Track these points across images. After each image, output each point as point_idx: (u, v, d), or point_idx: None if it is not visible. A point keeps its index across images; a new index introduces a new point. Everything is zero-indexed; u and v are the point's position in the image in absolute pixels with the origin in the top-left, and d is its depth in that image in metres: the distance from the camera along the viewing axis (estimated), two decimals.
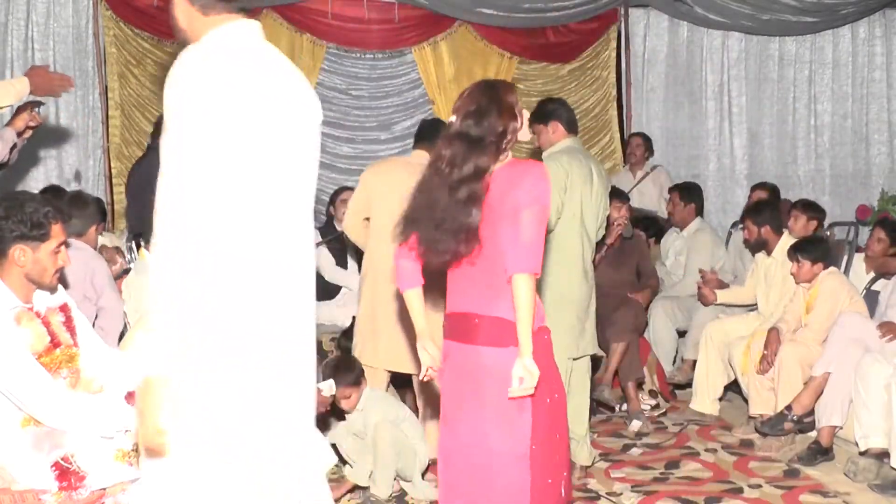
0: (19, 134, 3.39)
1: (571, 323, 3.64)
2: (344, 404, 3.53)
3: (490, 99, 2.30)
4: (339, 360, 3.70)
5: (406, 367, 3.94)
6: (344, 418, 3.67)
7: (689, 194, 5.42)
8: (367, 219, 3.95)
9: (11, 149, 3.37)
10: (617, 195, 4.75)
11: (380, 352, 3.87)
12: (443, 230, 2.26)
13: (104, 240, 4.26)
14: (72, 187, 5.52)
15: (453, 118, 2.36)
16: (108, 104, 6.22)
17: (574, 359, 3.66)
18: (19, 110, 3.51)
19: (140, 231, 3.61)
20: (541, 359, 2.25)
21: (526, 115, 2.40)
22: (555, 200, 3.54)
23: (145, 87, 6.29)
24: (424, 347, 2.46)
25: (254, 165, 1.76)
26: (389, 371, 3.95)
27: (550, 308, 3.51)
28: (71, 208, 3.27)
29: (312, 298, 1.94)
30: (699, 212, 5.47)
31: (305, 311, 1.91)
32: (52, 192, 4.41)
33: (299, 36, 6.57)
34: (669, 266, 5.51)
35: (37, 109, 3.53)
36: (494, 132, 2.27)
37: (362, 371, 3.59)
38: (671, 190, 5.60)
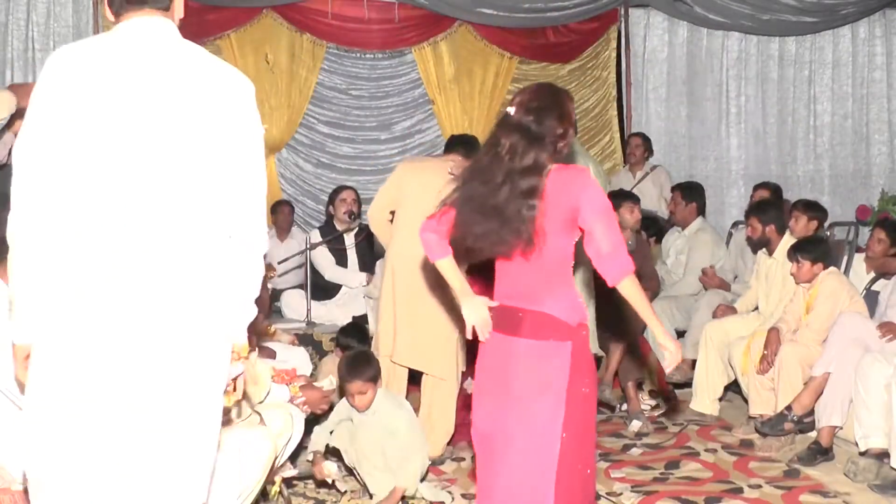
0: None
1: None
2: (358, 400, 3.39)
3: (553, 101, 2.36)
4: (358, 354, 3.56)
5: (421, 364, 3.96)
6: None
7: (691, 194, 5.42)
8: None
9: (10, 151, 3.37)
10: (629, 197, 4.75)
11: (398, 348, 3.90)
12: (502, 221, 2.28)
13: None
14: None
15: (511, 109, 2.38)
16: None
17: None
18: (17, 116, 3.54)
19: None
20: (579, 352, 2.32)
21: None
22: None
23: None
24: (473, 307, 2.43)
25: (81, 161, 1.78)
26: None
27: None
28: None
29: (176, 303, 1.82)
30: (701, 211, 5.46)
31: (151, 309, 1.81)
32: None
33: (299, 36, 6.58)
34: (670, 265, 5.51)
35: None
36: (553, 133, 2.31)
37: (380, 369, 3.52)
38: (673, 189, 5.60)
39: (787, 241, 4.55)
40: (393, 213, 4.04)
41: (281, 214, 6.15)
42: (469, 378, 4.20)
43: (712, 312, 4.83)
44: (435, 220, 2.44)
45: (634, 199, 4.78)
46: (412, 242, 3.91)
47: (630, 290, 2.32)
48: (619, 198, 4.63)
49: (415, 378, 4.11)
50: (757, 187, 5.67)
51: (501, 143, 2.33)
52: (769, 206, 4.76)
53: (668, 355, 2.37)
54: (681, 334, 5.13)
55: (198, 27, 6.38)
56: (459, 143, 4.15)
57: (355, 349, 3.52)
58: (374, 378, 3.44)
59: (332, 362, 4.32)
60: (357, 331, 4.37)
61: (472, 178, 2.36)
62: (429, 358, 3.95)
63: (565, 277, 2.35)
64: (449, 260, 2.48)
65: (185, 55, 1.91)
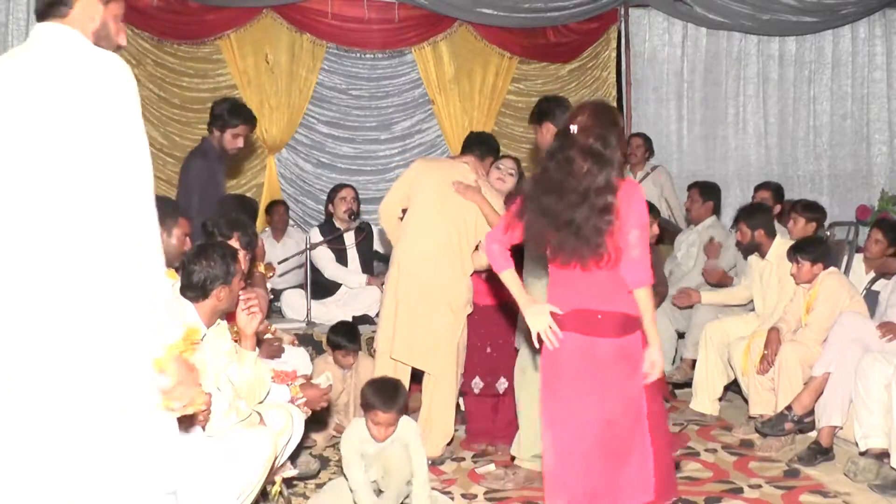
0: None
1: None
2: (384, 432, 3.28)
3: (613, 124, 2.61)
4: (387, 382, 3.37)
5: (418, 362, 3.97)
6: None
7: (709, 192, 5.47)
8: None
9: None
10: (649, 211, 4.74)
11: (396, 344, 3.92)
12: (580, 236, 2.52)
13: None
14: None
15: (574, 128, 2.59)
16: None
17: None
18: None
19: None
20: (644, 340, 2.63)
21: None
22: None
23: (145, 87, 6.29)
24: (537, 314, 2.63)
25: None
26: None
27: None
28: None
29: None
30: (716, 211, 5.52)
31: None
32: None
33: (299, 36, 6.58)
34: (680, 258, 5.54)
35: None
36: (617, 155, 2.58)
37: (406, 403, 3.39)
38: (691, 186, 5.63)
39: (780, 242, 4.55)
40: (404, 211, 4.07)
41: (276, 214, 6.14)
42: (476, 377, 4.19)
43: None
44: (500, 232, 2.71)
45: (655, 213, 4.78)
46: (420, 241, 3.95)
47: (643, 299, 2.56)
48: None
49: (417, 378, 4.12)
50: (758, 188, 5.67)
51: (574, 163, 2.56)
52: (757, 210, 4.75)
53: (649, 365, 2.59)
54: (681, 335, 5.14)
55: (198, 27, 6.40)
56: (476, 144, 4.16)
57: (382, 377, 3.45)
58: (403, 409, 3.33)
59: (324, 361, 4.33)
60: (346, 330, 4.34)
61: (544, 194, 2.59)
62: (426, 356, 3.96)
63: None
64: (511, 271, 2.73)
65: (61, 68, 1.84)
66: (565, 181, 2.56)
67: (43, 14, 1.96)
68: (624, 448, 2.59)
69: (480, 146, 4.15)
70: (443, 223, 3.96)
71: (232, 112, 4.23)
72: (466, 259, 4.04)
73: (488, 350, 4.17)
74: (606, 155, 2.55)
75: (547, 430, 2.67)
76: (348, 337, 4.27)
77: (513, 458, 3.76)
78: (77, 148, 1.78)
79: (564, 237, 2.55)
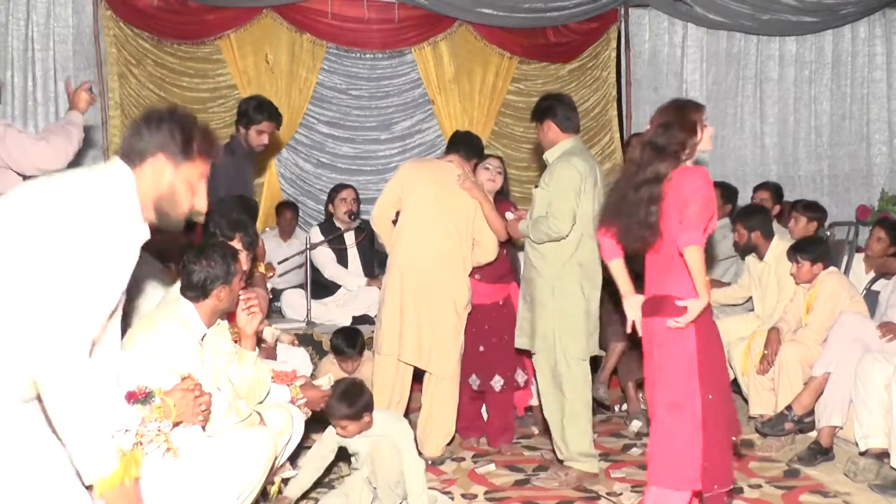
0: None
1: (587, 328, 3.72)
2: (338, 428, 3.36)
3: (676, 115, 2.79)
4: (349, 387, 3.41)
5: (426, 363, 3.99)
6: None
7: (728, 194, 5.43)
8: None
9: None
10: None
11: (405, 347, 3.94)
12: (633, 223, 2.77)
13: None
14: None
15: (649, 127, 2.86)
16: (108, 104, 6.22)
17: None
18: (77, 92, 3.60)
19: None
20: (704, 324, 2.73)
21: (709, 131, 2.83)
22: (570, 205, 3.55)
23: (145, 87, 6.29)
24: (632, 304, 2.89)
25: None
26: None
27: (566, 317, 3.60)
28: None
29: None
30: (731, 214, 5.48)
31: None
32: None
33: (299, 36, 6.57)
34: None
35: (90, 89, 3.63)
36: (676, 142, 2.74)
37: (369, 404, 3.42)
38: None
39: (778, 244, 4.54)
40: (398, 214, 4.07)
41: (283, 218, 6.14)
42: (473, 375, 4.21)
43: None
44: (604, 230, 2.94)
45: None
46: (419, 242, 3.97)
47: (692, 258, 2.65)
48: None
49: (417, 377, 4.12)
50: (757, 188, 5.67)
51: (633, 159, 2.86)
52: (755, 211, 4.75)
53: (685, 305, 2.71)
54: None
55: (198, 27, 6.39)
56: (462, 144, 4.17)
57: (344, 380, 3.47)
58: (359, 413, 3.32)
59: (329, 363, 4.34)
60: (348, 335, 4.32)
61: (619, 186, 2.88)
62: (434, 357, 3.98)
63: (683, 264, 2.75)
64: (619, 261, 2.94)
65: (77, 198, 1.93)
66: (631, 173, 2.82)
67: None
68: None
69: (466, 147, 4.15)
70: (441, 223, 3.97)
71: (257, 109, 4.32)
72: (467, 258, 4.05)
73: (481, 349, 4.19)
74: (660, 144, 2.75)
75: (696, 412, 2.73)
76: (349, 343, 4.27)
77: (560, 460, 3.77)
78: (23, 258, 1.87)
79: (624, 226, 2.80)
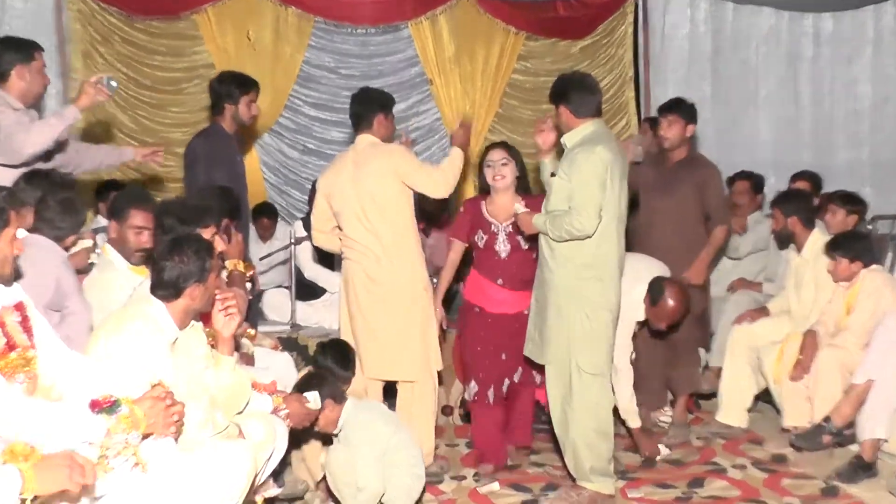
0: None
1: (609, 334, 3.69)
2: (321, 422, 3.49)
3: None
4: (310, 376, 3.58)
5: (392, 373, 4.04)
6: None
7: (757, 185, 5.55)
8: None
9: None
10: None
11: (367, 362, 3.99)
12: None
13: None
14: None
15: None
16: (71, 87, 6.18)
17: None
18: (84, 84, 3.71)
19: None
20: None
21: None
22: (595, 200, 3.50)
23: (113, 66, 6.26)
24: None
25: None
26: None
27: (584, 324, 3.61)
28: (62, 213, 3.31)
29: None
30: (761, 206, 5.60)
31: None
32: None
33: (284, 10, 6.56)
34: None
35: (104, 82, 3.70)
36: None
37: (339, 389, 3.49)
38: (739, 177, 5.66)
39: (817, 237, 4.53)
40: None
41: (260, 225, 6.09)
42: (472, 382, 4.15)
43: (737, 318, 4.79)
44: None
45: None
46: (354, 245, 4.02)
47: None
48: None
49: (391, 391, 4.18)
50: (794, 178, 5.68)
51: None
52: (794, 196, 4.75)
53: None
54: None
55: (171, 1, 6.36)
56: (358, 120, 4.20)
57: (305, 371, 3.51)
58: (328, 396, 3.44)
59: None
60: (338, 352, 3.97)
61: None
62: (399, 363, 4.00)
63: None
64: None
65: None
66: None
67: None
68: None
69: (365, 111, 4.17)
70: (365, 212, 4.00)
71: (240, 83, 4.54)
72: (408, 228, 4.04)
73: (503, 357, 4.12)
74: None
75: None
76: (342, 362, 3.92)
77: (572, 479, 3.76)
78: None
79: None
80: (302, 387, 3.45)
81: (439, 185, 4.00)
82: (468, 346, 4.20)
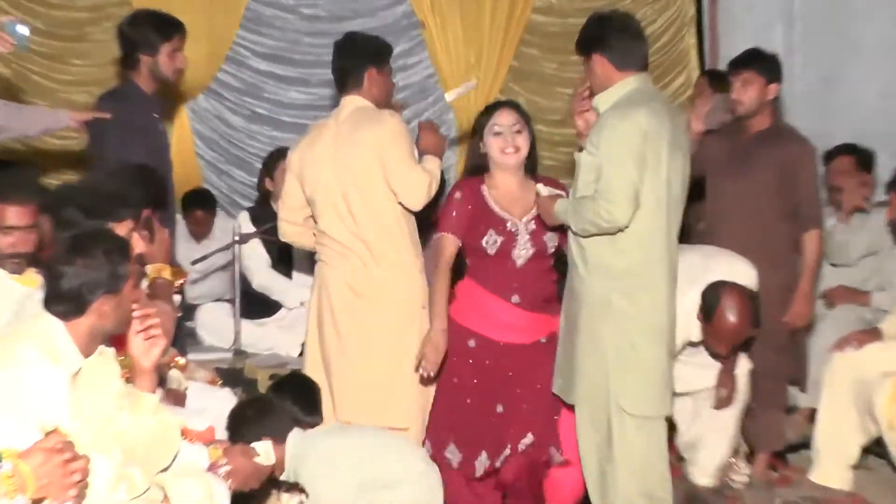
0: None
1: (662, 363, 3.65)
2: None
3: None
4: (246, 407, 3.66)
5: (370, 417, 4.05)
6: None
7: (866, 164, 5.55)
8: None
9: None
10: None
11: (339, 404, 4.05)
12: None
13: None
14: None
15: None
16: None
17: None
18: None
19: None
20: None
21: None
22: (628, 180, 3.48)
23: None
24: None
25: None
26: None
27: (626, 352, 3.59)
28: None
29: None
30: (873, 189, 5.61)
31: None
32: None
33: None
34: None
35: (6, 28, 3.82)
36: None
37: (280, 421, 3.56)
38: (839, 152, 5.66)
39: None
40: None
41: (192, 220, 6.10)
42: (483, 451, 4.08)
43: (837, 342, 4.76)
44: None
45: None
46: (337, 254, 4.04)
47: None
48: None
49: None
50: None
51: None
52: None
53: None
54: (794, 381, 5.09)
55: None
56: (343, 77, 4.23)
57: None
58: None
59: None
60: (299, 387, 4.01)
61: None
62: (384, 406, 4.01)
63: None
64: None
65: None
66: None
67: None
68: None
69: (352, 64, 4.18)
70: (337, 203, 4.03)
71: (159, 26, 4.61)
72: (397, 236, 4.05)
73: (499, 409, 4.03)
74: None
75: None
76: (307, 406, 3.91)
77: None
78: None
79: None
80: (237, 427, 3.46)
81: (420, 192, 3.99)
82: (450, 393, 4.07)
